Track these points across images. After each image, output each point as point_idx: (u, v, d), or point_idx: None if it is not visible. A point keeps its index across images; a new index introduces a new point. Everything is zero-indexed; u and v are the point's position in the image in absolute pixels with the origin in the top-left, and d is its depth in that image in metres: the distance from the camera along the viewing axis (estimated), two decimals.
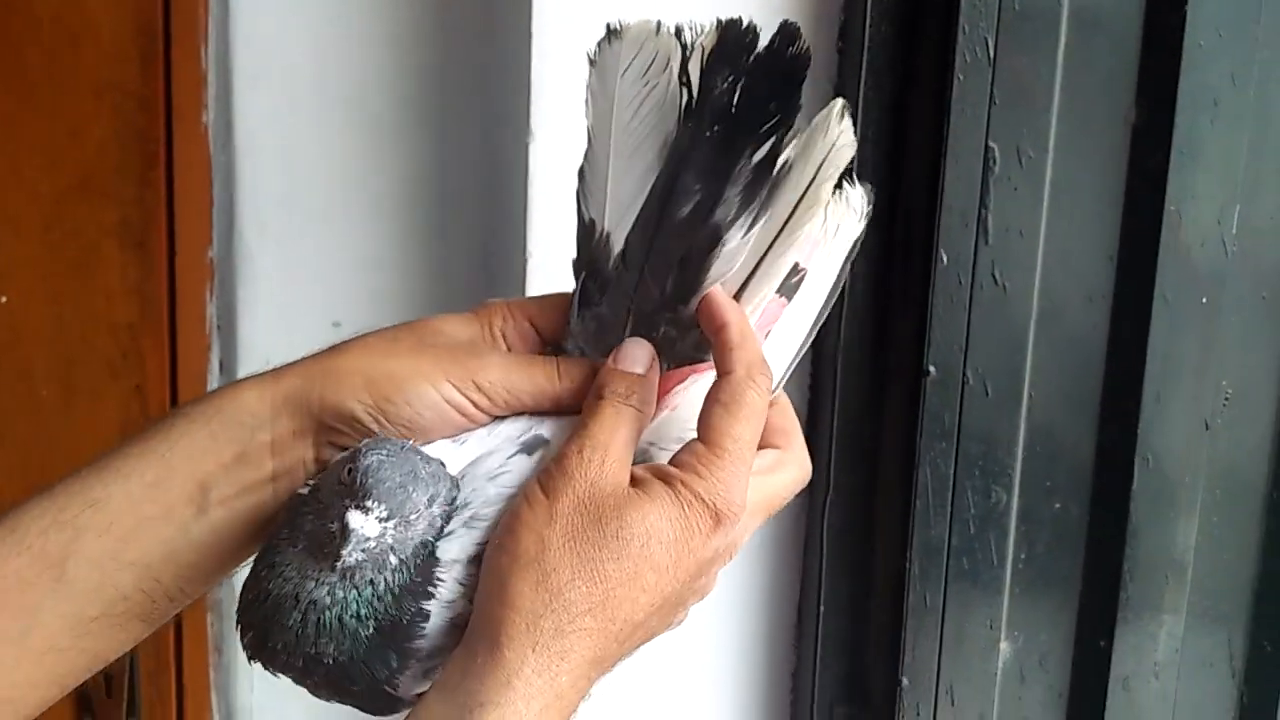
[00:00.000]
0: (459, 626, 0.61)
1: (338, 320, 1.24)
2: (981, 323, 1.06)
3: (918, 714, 1.14)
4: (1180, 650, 1.11)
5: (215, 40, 1.23)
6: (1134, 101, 1.02)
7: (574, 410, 0.66)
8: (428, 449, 0.64)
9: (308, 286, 1.26)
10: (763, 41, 0.64)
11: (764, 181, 0.65)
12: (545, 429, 0.66)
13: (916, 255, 1.06)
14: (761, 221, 0.66)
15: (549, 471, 0.62)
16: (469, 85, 1.20)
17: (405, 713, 0.62)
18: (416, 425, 0.64)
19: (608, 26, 0.64)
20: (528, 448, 0.65)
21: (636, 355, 0.66)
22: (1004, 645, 1.13)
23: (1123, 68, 1.01)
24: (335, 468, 0.61)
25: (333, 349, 0.67)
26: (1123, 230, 1.04)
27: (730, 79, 0.64)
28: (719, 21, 0.64)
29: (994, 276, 1.05)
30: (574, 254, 0.68)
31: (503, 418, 0.66)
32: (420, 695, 0.61)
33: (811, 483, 0.66)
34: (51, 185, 1.27)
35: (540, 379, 0.66)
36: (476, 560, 0.62)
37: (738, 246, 0.66)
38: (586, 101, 0.65)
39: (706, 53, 0.64)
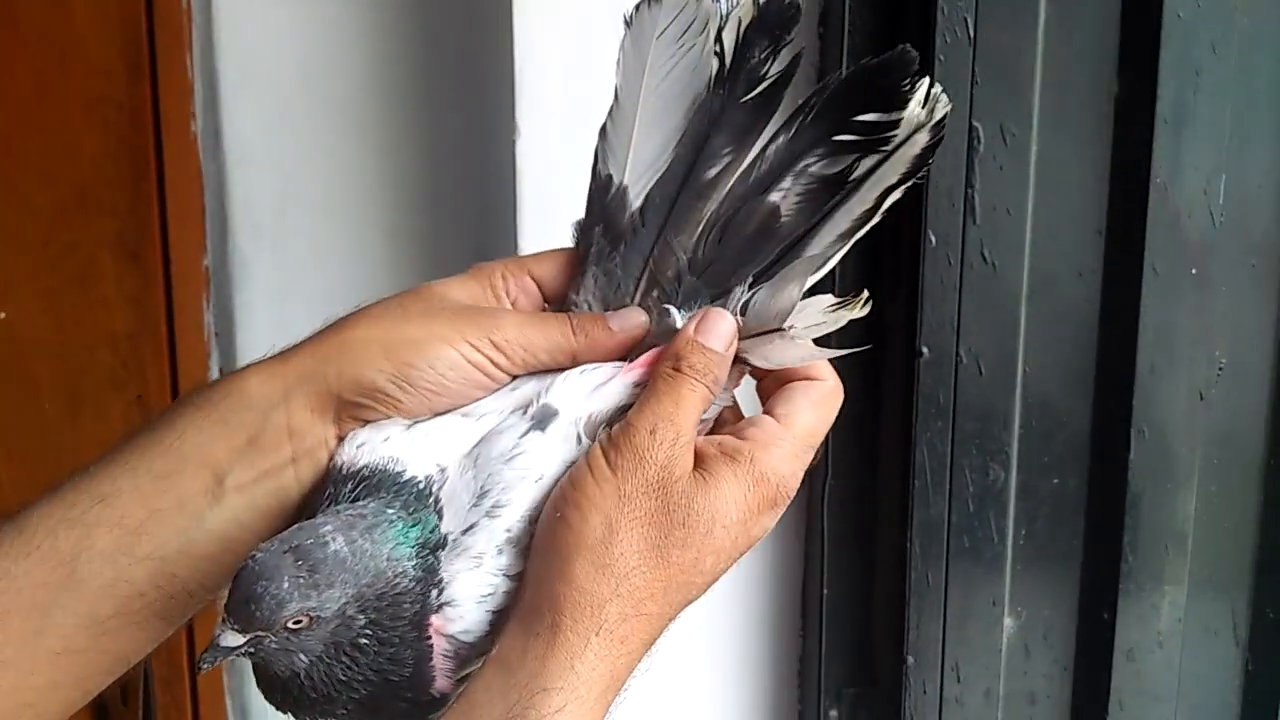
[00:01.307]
0: (505, 612, 0.60)
1: None
2: (972, 302, 1.06)
3: (924, 691, 1.14)
4: (1183, 620, 1.12)
5: (200, 49, 1.23)
6: (1116, 74, 1.02)
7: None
8: (439, 420, 0.63)
9: (303, 290, 1.26)
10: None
11: (838, 191, 0.64)
12: (553, 398, 0.63)
13: (905, 237, 1.06)
14: (827, 230, 0.64)
15: (617, 446, 0.60)
16: (455, 85, 1.20)
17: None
18: (442, 388, 0.63)
19: None
20: (539, 423, 0.62)
21: (721, 331, 0.62)
22: (1008, 621, 1.13)
23: (1103, 41, 1.01)
24: None
25: (339, 323, 0.65)
26: (1110, 204, 1.04)
27: (768, 50, 0.64)
28: None
29: (983, 256, 1.05)
30: (583, 214, 0.67)
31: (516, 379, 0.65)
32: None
33: (810, 468, 0.66)
34: (47, 200, 1.27)
35: (556, 335, 0.64)
36: (511, 545, 0.60)
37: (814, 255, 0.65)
38: (618, 62, 0.65)
39: (743, 24, 0.64)
